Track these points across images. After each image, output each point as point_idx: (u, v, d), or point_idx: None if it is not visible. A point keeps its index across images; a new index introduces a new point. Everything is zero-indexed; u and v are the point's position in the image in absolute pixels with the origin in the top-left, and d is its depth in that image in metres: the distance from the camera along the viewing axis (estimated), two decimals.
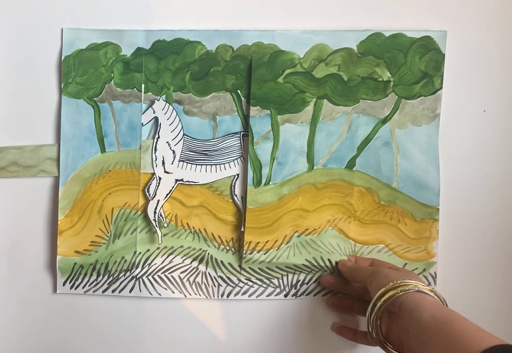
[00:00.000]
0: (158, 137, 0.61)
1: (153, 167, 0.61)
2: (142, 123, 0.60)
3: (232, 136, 0.61)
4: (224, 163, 0.61)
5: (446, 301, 0.51)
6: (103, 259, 0.61)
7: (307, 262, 0.62)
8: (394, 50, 0.60)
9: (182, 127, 0.61)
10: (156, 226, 0.61)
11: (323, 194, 0.61)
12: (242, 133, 0.61)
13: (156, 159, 0.61)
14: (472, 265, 0.64)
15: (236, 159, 0.61)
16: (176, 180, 0.61)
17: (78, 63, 0.60)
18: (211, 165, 0.61)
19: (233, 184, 0.61)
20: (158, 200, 0.61)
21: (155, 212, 0.61)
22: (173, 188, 0.61)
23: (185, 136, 0.61)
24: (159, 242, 0.61)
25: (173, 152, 0.61)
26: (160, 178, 0.61)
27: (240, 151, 0.61)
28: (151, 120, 0.61)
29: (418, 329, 0.46)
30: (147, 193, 0.61)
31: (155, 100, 0.60)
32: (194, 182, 0.62)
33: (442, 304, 0.50)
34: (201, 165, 0.61)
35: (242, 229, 0.61)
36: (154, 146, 0.61)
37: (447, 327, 0.44)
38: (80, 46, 0.60)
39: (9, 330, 0.63)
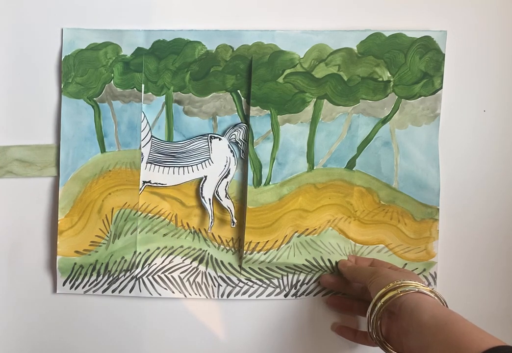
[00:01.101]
0: None
1: None
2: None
3: (200, 138, 0.61)
4: (192, 165, 0.61)
5: (446, 302, 0.51)
6: (103, 259, 0.61)
7: (307, 262, 0.62)
8: (394, 50, 0.60)
9: (150, 129, 0.61)
10: None
11: (323, 194, 0.61)
12: (210, 135, 0.61)
13: None
14: (472, 265, 0.64)
15: (204, 161, 0.61)
16: (144, 182, 0.61)
17: (78, 63, 0.60)
18: (179, 167, 0.61)
19: (201, 186, 0.61)
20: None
21: None
22: (141, 191, 0.61)
23: (153, 138, 0.61)
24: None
25: (141, 154, 0.61)
26: None
27: (208, 153, 0.61)
28: None
29: (418, 330, 0.46)
30: None
31: None
32: (162, 184, 0.62)
33: (442, 305, 0.50)
34: (169, 167, 0.61)
35: (210, 231, 0.62)
36: None
37: (447, 328, 0.44)
38: (80, 46, 0.60)
39: (9, 330, 0.63)
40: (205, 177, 0.61)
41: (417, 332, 0.46)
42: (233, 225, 0.62)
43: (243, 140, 0.61)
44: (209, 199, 0.61)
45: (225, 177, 0.61)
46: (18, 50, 0.60)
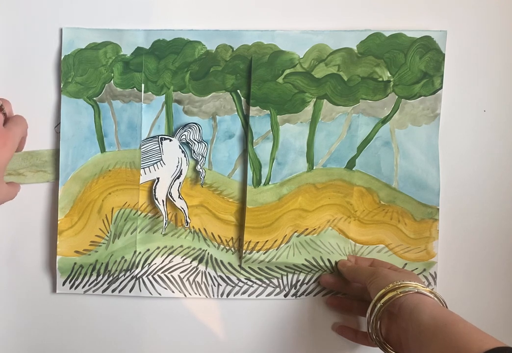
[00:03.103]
0: None
1: None
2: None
3: (151, 140, 0.61)
4: (143, 167, 0.61)
5: (446, 302, 0.51)
6: (103, 259, 0.61)
7: (307, 262, 0.62)
8: (394, 50, 0.60)
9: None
10: None
11: (323, 194, 0.61)
12: (160, 136, 0.61)
13: None
14: (472, 265, 0.64)
15: (156, 163, 0.61)
16: None
17: (78, 63, 0.60)
18: None
19: (153, 188, 0.61)
20: None
21: None
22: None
23: None
24: None
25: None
26: None
27: (159, 155, 0.61)
28: None
29: (417, 330, 0.46)
30: None
31: None
32: None
33: (442, 306, 0.50)
34: None
35: (164, 232, 0.61)
36: None
37: (446, 329, 0.44)
38: (80, 46, 0.59)
39: (8, 330, 0.63)
40: (158, 179, 0.61)
41: (416, 333, 0.46)
42: (186, 225, 0.62)
43: (194, 140, 0.60)
44: (163, 201, 0.61)
45: (178, 178, 0.61)
46: (17, 49, 0.60)
